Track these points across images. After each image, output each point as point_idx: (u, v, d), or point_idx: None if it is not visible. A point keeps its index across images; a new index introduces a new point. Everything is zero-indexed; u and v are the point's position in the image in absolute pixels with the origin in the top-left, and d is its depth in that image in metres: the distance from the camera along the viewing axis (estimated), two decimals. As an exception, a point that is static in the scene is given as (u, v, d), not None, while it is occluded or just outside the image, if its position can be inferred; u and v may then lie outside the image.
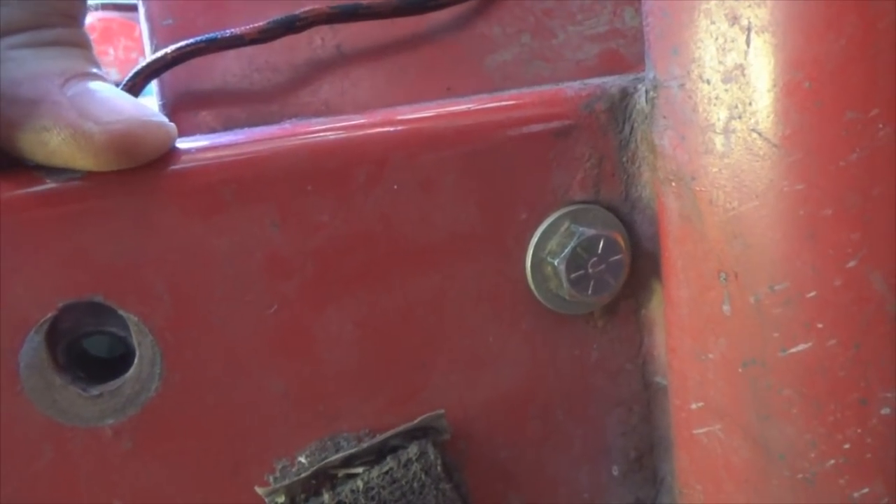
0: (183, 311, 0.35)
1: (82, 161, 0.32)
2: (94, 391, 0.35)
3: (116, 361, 0.37)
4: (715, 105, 0.34)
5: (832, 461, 0.34)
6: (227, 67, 0.48)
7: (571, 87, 0.40)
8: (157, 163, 0.34)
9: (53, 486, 0.35)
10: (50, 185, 0.33)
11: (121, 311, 0.34)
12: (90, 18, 1.46)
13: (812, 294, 0.33)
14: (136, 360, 0.35)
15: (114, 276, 0.34)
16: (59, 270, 0.33)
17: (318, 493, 0.37)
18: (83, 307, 0.34)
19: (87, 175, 0.33)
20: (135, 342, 0.35)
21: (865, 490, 0.34)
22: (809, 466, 0.35)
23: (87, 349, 0.38)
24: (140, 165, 0.33)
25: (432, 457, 0.38)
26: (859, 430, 0.33)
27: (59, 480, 0.35)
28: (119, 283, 0.34)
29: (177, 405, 0.36)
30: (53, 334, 0.34)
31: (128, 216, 0.34)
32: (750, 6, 0.32)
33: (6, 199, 0.33)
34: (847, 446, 0.34)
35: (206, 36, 0.45)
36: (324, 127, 0.37)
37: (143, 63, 0.45)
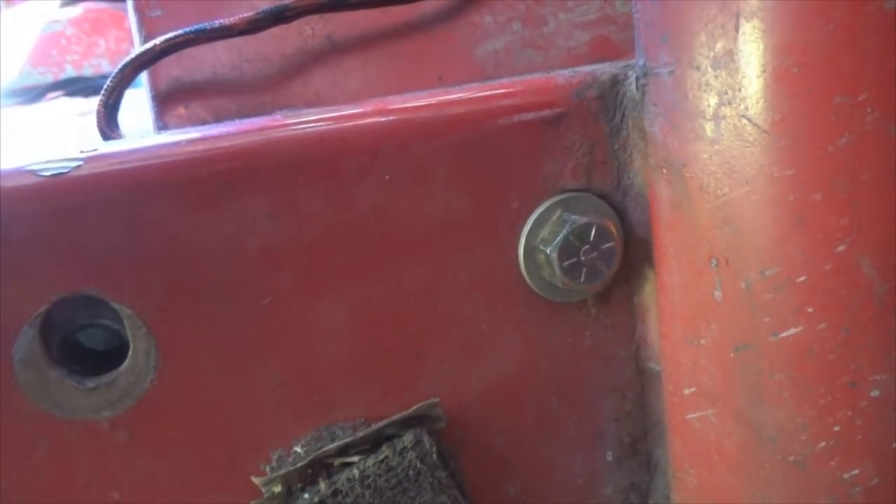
0: (177, 304, 0.35)
1: None
2: (90, 384, 0.35)
3: (111, 354, 0.37)
4: (705, 91, 0.34)
5: (823, 443, 0.35)
6: (217, 58, 0.48)
7: (562, 75, 0.40)
8: (149, 156, 0.34)
9: (50, 480, 0.35)
10: (42, 179, 0.33)
11: (114, 304, 0.34)
12: (80, 10, 1.44)
13: (802, 279, 0.33)
14: (130, 353, 0.35)
15: (107, 268, 0.34)
16: (51, 264, 0.33)
17: (314, 482, 0.38)
18: (77, 300, 0.34)
19: (79, 168, 0.33)
20: (129, 334, 0.35)
21: (856, 471, 0.35)
22: (800, 449, 0.35)
23: (82, 342, 0.38)
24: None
25: (428, 445, 0.38)
26: (849, 413, 0.34)
27: (56, 473, 0.35)
28: (112, 275, 0.34)
29: (172, 397, 0.36)
30: (47, 328, 0.34)
31: (120, 209, 0.34)
32: (739, -8, 0.32)
33: (-3, 194, 0.32)
34: (837, 429, 0.34)
35: (195, 27, 0.45)
36: (315, 117, 0.37)
37: (131, 55, 0.45)
